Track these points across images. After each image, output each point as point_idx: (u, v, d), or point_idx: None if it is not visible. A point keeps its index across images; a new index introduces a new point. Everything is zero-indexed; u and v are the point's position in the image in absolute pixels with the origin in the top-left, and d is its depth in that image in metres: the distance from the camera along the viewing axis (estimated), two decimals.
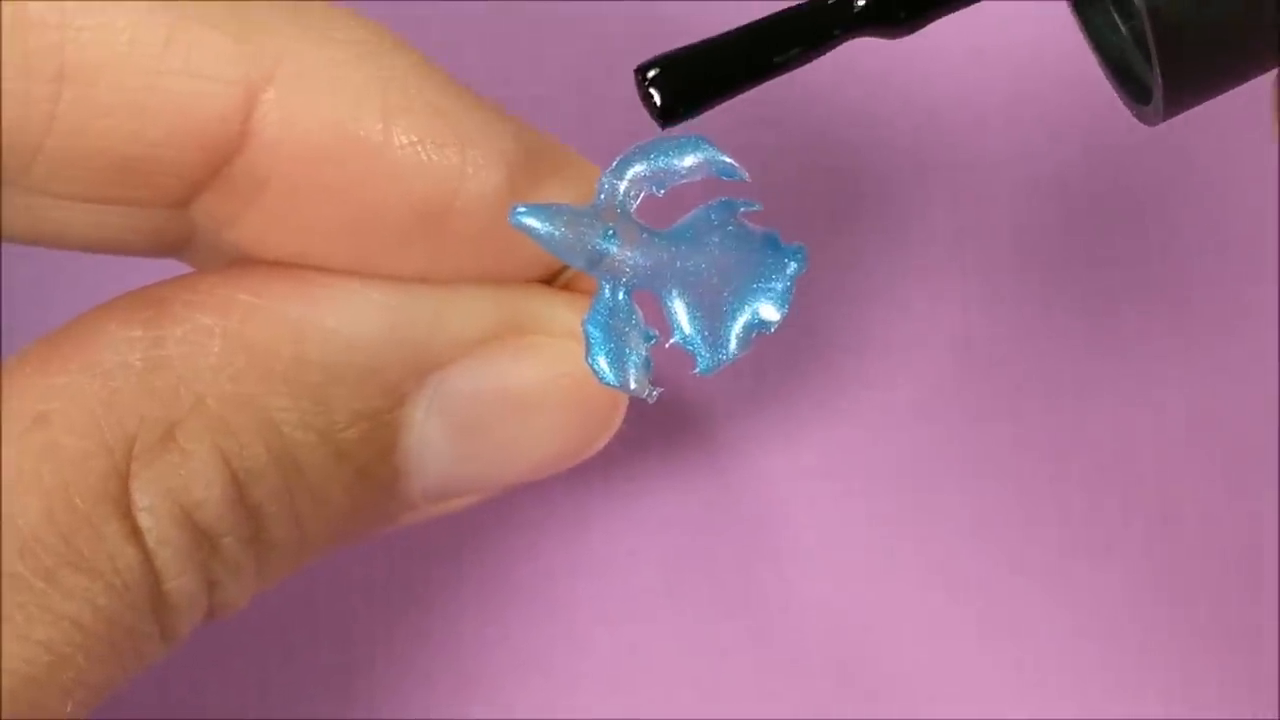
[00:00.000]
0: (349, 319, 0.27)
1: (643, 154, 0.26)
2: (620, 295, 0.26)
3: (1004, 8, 0.35)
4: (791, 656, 0.33)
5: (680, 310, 0.27)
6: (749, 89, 0.26)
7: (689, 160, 0.26)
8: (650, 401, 0.27)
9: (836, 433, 0.34)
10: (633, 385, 0.26)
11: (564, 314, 0.29)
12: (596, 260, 0.26)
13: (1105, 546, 0.34)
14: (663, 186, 0.26)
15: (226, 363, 0.26)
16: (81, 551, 0.25)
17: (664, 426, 0.34)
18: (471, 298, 0.28)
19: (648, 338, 0.26)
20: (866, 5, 0.25)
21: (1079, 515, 0.34)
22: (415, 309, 0.28)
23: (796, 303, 0.34)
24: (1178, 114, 0.25)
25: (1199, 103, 0.25)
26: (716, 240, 0.27)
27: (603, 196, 0.26)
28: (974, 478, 0.34)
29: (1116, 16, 0.26)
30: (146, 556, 0.26)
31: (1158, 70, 0.24)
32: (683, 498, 0.34)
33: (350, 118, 0.26)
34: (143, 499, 0.26)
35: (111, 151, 0.26)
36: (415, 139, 0.26)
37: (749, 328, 0.27)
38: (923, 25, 0.26)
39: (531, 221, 0.26)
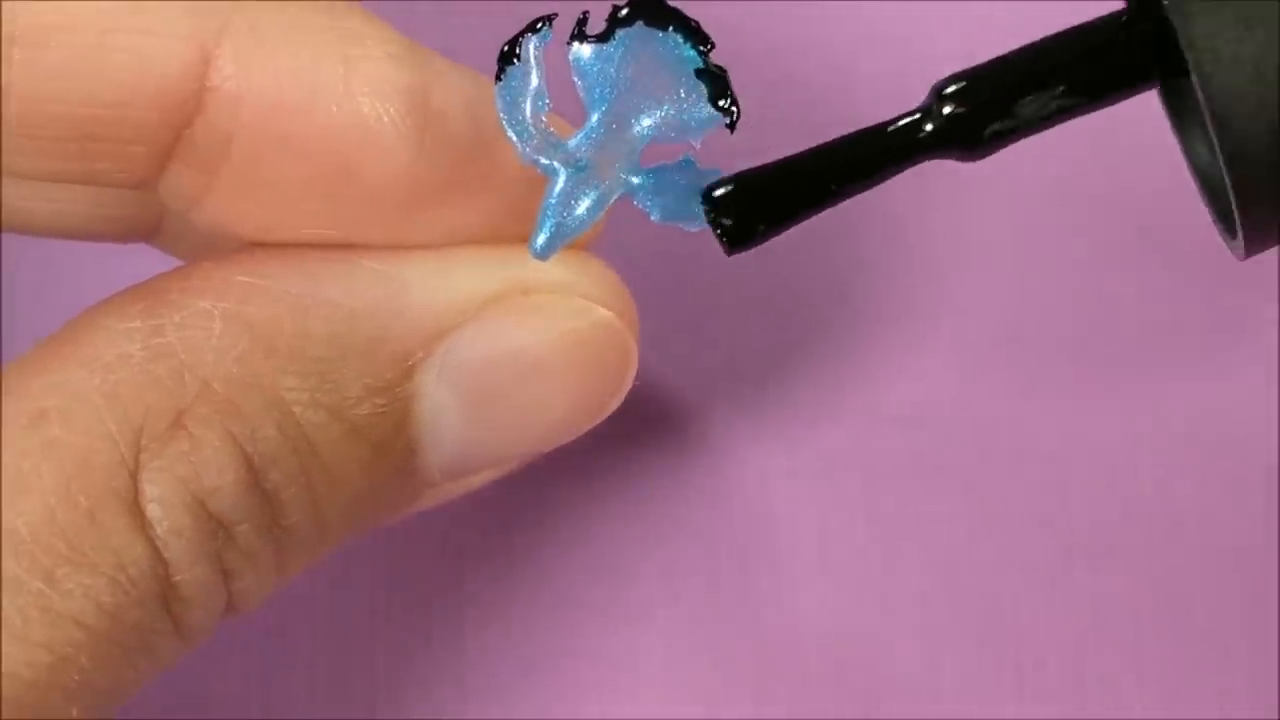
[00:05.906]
0: (350, 290, 0.27)
1: (505, 91, 0.26)
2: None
3: (1004, 11, 0.35)
4: (791, 658, 0.33)
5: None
6: (818, 214, 0.25)
7: (533, 79, 0.26)
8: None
9: (836, 435, 0.34)
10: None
11: (563, 271, 0.28)
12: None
13: (1105, 549, 0.33)
14: (543, 100, 0.26)
15: (230, 344, 0.26)
16: (83, 549, 0.25)
17: (663, 429, 0.34)
18: (472, 260, 0.28)
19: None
20: (936, 129, 0.25)
21: (1078, 518, 0.34)
22: (416, 275, 0.27)
23: (795, 303, 0.34)
24: (1260, 252, 0.24)
25: None
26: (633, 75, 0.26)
27: (528, 149, 0.26)
28: (973, 481, 0.34)
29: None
30: (155, 549, 0.25)
31: (1238, 213, 0.23)
32: (682, 500, 0.34)
33: (309, 67, 0.26)
34: (152, 490, 0.25)
35: (69, 116, 0.25)
36: (377, 86, 0.26)
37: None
38: (1004, 146, 0.25)
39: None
